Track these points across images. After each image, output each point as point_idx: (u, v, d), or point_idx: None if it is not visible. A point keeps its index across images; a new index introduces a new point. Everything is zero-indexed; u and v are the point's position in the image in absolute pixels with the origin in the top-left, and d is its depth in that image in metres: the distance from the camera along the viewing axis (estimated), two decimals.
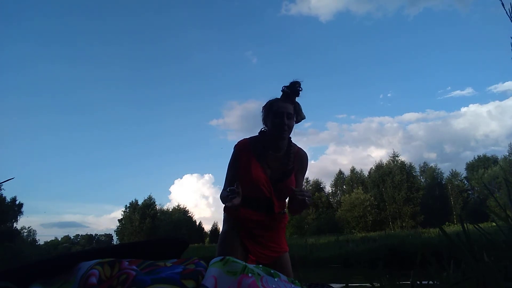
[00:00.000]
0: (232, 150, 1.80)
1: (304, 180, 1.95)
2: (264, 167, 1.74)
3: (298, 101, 1.79)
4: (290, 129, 1.74)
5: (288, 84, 1.74)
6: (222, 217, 1.84)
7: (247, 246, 1.73)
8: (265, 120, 1.80)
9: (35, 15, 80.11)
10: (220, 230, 1.87)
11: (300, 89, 1.73)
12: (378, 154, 69.52)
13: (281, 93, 1.78)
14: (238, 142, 1.80)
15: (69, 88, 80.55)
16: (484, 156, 40.37)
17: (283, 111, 1.70)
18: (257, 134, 1.84)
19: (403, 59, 70.62)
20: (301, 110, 1.79)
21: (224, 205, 1.82)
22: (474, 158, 41.23)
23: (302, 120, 1.80)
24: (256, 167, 1.72)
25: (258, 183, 1.70)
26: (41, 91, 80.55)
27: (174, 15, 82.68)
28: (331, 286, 1.70)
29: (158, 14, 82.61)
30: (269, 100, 1.79)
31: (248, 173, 1.70)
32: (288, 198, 1.77)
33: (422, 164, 43.34)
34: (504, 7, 1.22)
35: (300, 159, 1.82)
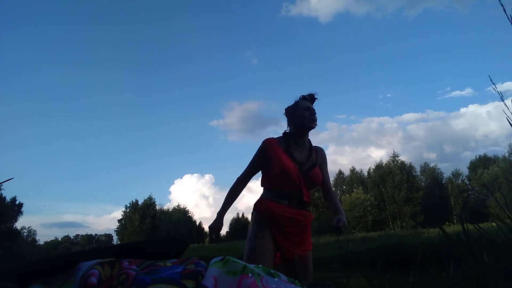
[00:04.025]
0: (260, 145, 1.94)
1: None
2: (292, 159, 1.86)
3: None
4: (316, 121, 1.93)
5: (306, 94, 2.02)
6: (250, 216, 1.94)
7: (279, 243, 1.78)
8: (291, 117, 1.96)
9: (37, 20, 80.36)
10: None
11: (316, 98, 2.02)
12: (378, 154, 69.57)
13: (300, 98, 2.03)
14: (266, 139, 1.96)
15: (72, 92, 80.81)
16: (485, 156, 40.35)
17: (310, 106, 1.95)
18: (281, 135, 1.99)
19: (403, 60, 70.65)
20: None
21: (255, 203, 1.92)
22: (476, 157, 41.22)
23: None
24: (286, 158, 1.85)
25: (288, 173, 1.80)
26: (43, 96, 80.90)
27: (174, 20, 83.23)
28: (331, 286, 1.70)
29: (160, 19, 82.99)
30: (294, 102, 2.01)
31: (279, 164, 1.81)
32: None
33: (422, 164, 43.29)
34: (505, 12, 1.22)
35: (320, 154, 2.01)
